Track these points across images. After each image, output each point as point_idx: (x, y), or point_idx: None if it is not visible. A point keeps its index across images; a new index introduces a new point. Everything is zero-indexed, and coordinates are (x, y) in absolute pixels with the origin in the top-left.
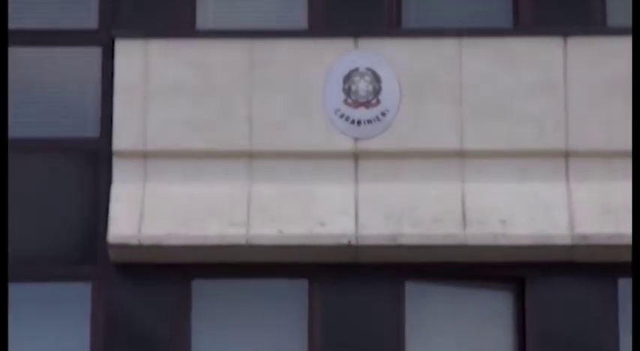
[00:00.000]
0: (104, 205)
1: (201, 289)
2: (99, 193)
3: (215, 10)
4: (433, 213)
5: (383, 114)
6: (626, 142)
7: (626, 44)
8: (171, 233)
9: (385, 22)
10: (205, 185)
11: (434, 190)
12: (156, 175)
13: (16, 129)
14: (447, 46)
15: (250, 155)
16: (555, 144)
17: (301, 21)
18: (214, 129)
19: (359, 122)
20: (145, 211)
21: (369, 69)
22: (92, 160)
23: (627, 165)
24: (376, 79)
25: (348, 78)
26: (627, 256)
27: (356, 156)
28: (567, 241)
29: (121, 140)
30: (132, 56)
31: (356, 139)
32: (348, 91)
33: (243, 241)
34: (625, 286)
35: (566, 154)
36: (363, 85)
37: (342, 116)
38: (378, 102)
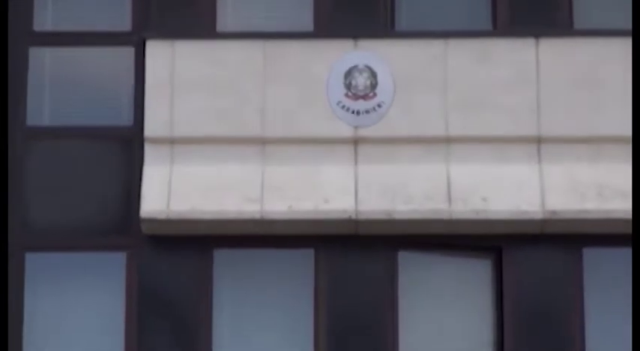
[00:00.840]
0: (137, 185)
1: (222, 258)
2: (132, 174)
3: (233, 14)
4: (423, 191)
5: (379, 105)
6: (590, 129)
7: (590, 44)
8: (195, 209)
9: (381, 25)
10: (224, 167)
11: (423, 171)
12: (181, 158)
13: (61, 119)
14: (434, 46)
15: (263, 141)
16: (528, 131)
17: (308, 24)
18: (232, 118)
19: (358, 112)
20: (172, 189)
21: (366, 66)
22: (126, 146)
23: (591, 149)
24: (373, 75)
25: (348, 74)
26: (591, 229)
27: (355, 142)
28: (539, 216)
29: (151, 128)
30: (160, 55)
31: (355, 127)
32: (348, 86)
33: (257, 216)
34: (588, 254)
35: (538, 140)
36: (361, 80)
37: (343, 107)
38: (375, 95)
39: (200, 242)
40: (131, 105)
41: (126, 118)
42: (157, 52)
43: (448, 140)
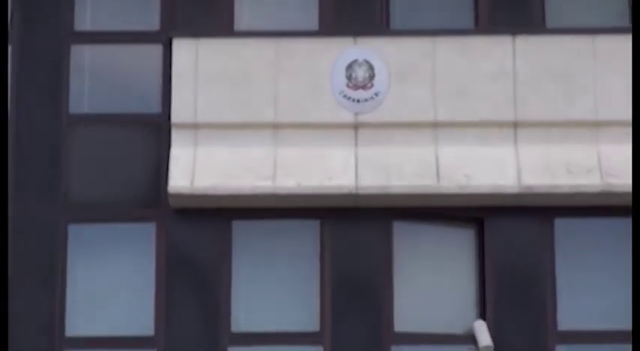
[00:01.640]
0: (165, 164)
1: (239, 228)
2: (161, 155)
3: (248, 15)
4: (414, 169)
5: (376, 94)
6: (560, 115)
7: (560, 41)
8: (215, 185)
9: (377, 24)
10: (241, 149)
11: (414, 152)
12: (204, 141)
13: (99, 107)
14: (424, 42)
15: (275, 126)
16: (506, 117)
17: (313, 24)
18: (248, 106)
19: (358, 101)
20: (195, 168)
21: (365, 60)
22: (155, 131)
23: (561, 132)
24: (371, 68)
25: (349, 67)
26: (561, 202)
27: (356, 126)
28: (515, 190)
29: (177, 115)
30: (185, 51)
31: (356, 114)
32: (349, 77)
33: (270, 191)
34: (559, 224)
35: (515, 125)
36: (360, 73)
37: (344, 96)
38: (372, 85)
39: (220, 214)
40: (159, 95)
41: (155, 107)
42: (182, 48)
43: (436, 125)
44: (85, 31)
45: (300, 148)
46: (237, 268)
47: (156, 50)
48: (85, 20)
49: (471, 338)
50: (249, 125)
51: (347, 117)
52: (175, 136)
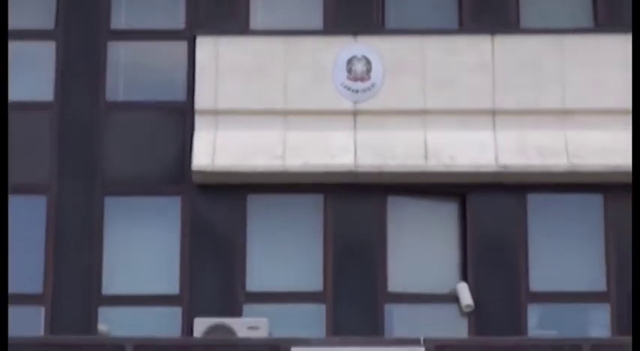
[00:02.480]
0: (189, 145)
1: (253, 201)
2: (186, 137)
3: (262, 16)
4: (406, 150)
5: (372, 85)
6: (532, 104)
7: (532, 39)
8: (233, 164)
9: (374, 24)
10: (256, 132)
11: (406, 135)
12: (223, 125)
13: (132, 95)
14: (414, 40)
15: (285, 112)
16: (486, 105)
17: (318, 24)
18: (261, 95)
19: (357, 91)
20: (216, 149)
21: (363, 56)
22: (181, 116)
23: (534, 119)
24: (368, 62)
25: (349, 62)
26: (533, 179)
27: (355, 113)
28: (494, 169)
29: (200, 103)
30: (207, 47)
31: (355, 102)
32: (349, 71)
33: (280, 169)
34: (531, 199)
35: (493, 112)
36: (359, 67)
37: (345, 87)
38: (370, 77)
39: (237, 189)
40: (184, 85)
41: (180, 95)
42: (204, 45)
43: (425, 112)
44: (120, 30)
45: (307, 131)
46: (251, 236)
47: (181, 46)
48: (120, 20)
49: (454, 297)
50: (262, 112)
51: (347, 105)
52: (198, 121)
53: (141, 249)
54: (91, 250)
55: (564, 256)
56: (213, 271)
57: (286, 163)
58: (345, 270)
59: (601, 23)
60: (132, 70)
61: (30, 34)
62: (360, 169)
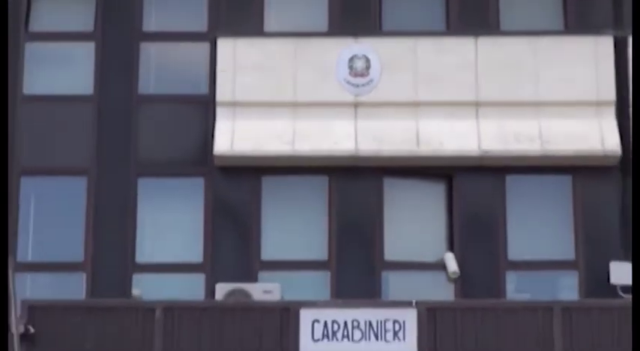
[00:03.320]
0: (211, 133)
1: (267, 182)
2: (208, 125)
3: (275, 19)
4: (400, 137)
5: (371, 80)
6: (511, 97)
7: (511, 40)
8: (250, 149)
9: (372, 27)
10: (268, 121)
11: (400, 124)
12: (241, 115)
13: (161, 88)
14: (408, 41)
15: (295, 104)
16: (470, 97)
17: (324, 26)
18: (274, 88)
19: (357, 85)
20: (234, 136)
21: (363, 55)
22: (204, 107)
23: (512, 110)
24: (367, 60)
25: (351, 60)
26: (511, 163)
27: (356, 105)
28: (477, 154)
29: (220, 95)
30: (227, 48)
31: (356, 95)
32: (351, 68)
33: (290, 154)
34: (510, 180)
35: (477, 104)
36: (359, 64)
37: (347, 82)
38: (369, 74)
39: (253, 171)
40: (207, 80)
41: (203, 89)
42: (224, 45)
43: (417, 104)
44: (151, 32)
45: (313, 120)
46: (265, 213)
47: (204, 46)
48: (150, 24)
49: (442, 266)
50: (275, 103)
51: (349, 98)
52: (219, 111)
53: (169, 223)
54: (126, 224)
55: (538, 229)
56: (232, 243)
57: (295, 149)
58: (347, 242)
59: (571, 26)
60: (161, 67)
61: (72, 36)
62: (360, 154)
